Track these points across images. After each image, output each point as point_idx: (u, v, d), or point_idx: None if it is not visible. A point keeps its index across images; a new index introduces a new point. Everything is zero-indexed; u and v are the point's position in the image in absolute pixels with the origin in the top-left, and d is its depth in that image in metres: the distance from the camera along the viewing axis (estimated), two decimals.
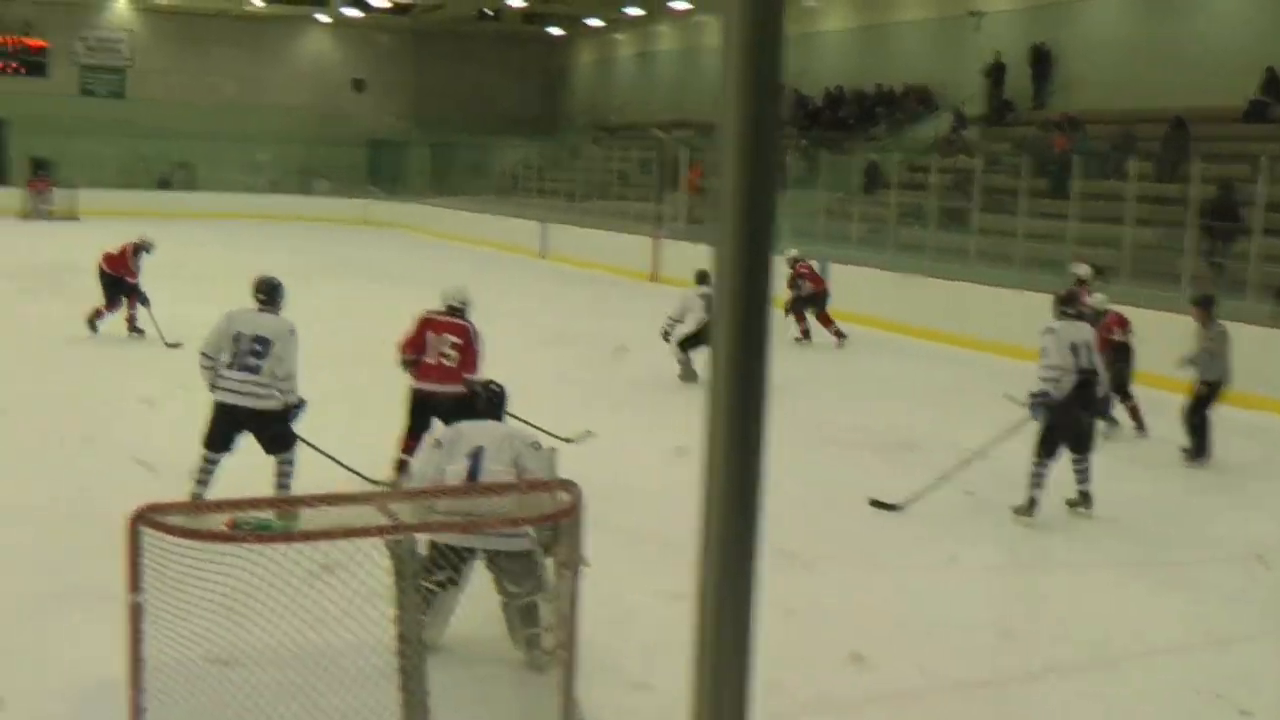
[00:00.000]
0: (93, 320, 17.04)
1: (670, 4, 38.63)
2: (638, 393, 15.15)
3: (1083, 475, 10.20)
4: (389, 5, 43.48)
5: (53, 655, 6.70)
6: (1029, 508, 9.98)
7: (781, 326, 18.25)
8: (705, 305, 15.15)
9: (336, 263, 28.90)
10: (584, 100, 48.34)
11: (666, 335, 15.57)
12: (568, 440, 9.89)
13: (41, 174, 40.20)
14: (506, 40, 47.54)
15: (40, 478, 10.13)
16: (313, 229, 38.48)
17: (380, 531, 5.12)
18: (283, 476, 9.08)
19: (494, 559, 6.66)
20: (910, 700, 6.93)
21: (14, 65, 45.28)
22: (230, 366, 8.87)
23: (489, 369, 9.68)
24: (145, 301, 17.08)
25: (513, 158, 42.39)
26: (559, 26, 47.67)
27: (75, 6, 45.01)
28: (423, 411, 9.77)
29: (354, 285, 24.14)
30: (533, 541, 6.59)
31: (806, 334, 19.09)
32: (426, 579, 6.23)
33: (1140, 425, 13.37)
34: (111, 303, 17.09)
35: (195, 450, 9.08)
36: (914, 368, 17.71)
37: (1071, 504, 10.23)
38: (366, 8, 44.00)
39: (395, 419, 10.13)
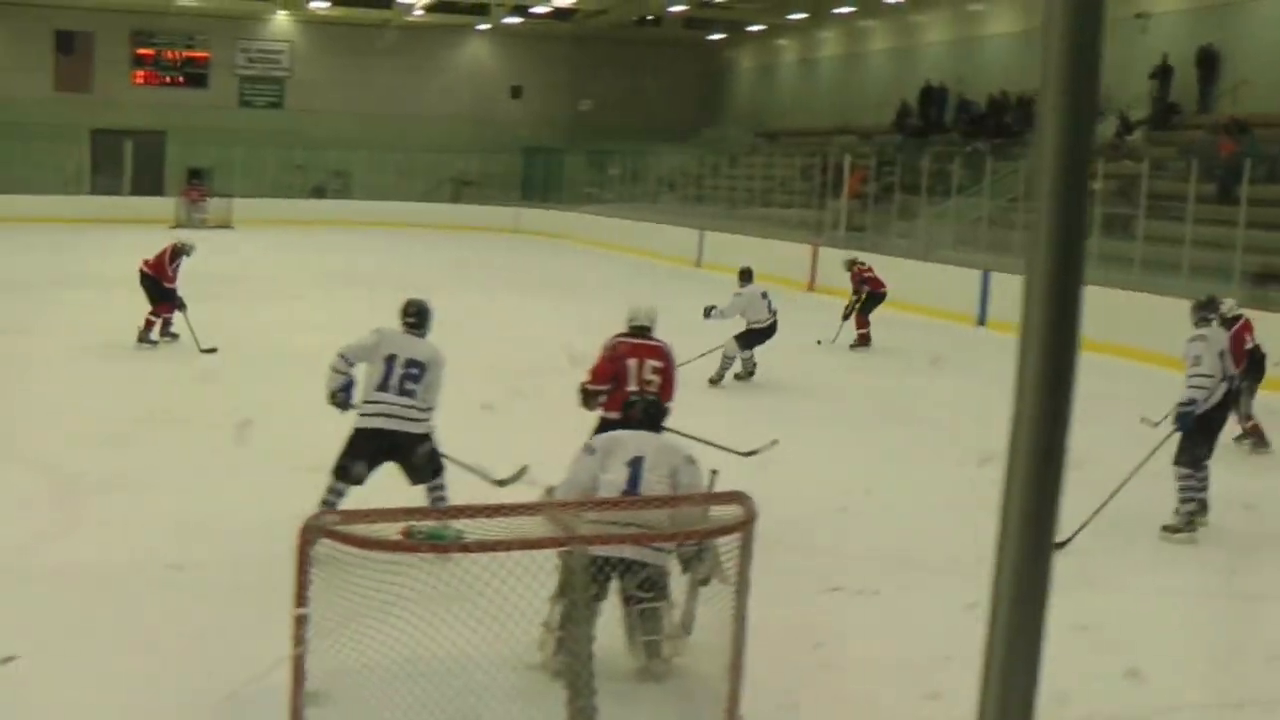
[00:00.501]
0: (144, 333, 17.20)
1: (834, 9, 38.67)
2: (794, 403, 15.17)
3: (1204, 484, 10.01)
4: (549, 11, 44.26)
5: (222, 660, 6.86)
6: (1189, 523, 9.83)
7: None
8: (769, 304, 15.81)
9: (489, 271, 29.65)
10: (744, 106, 48.52)
11: (710, 311, 15.98)
12: (751, 453, 9.93)
13: (196, 183, 41.85)
14: (666, 46, 48.05)
15: (229, 490, 10.25)
16: (466, 237, 39.09)
17: (555, 543, 5.25)
18: (437, 503, 8.56)
19: (630, 568, 6.60)
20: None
21: (176, 78, 47.06)
22: (382, 389, 8.63)
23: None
24: (182, 306, 17.18)
25: (670, 164, 42.67)
26: (720, 32, 48.05)
27: (237, 20, 46.73)
28: None
29: (505, 294, 24.69)
30: (670, 556, 6.66)
31: (866, 339, 19.14)
32: (570, 596, 6.30)
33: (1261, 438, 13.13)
34: (157, 307, 17.27)
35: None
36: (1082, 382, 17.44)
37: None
38: (527, 15, 45.00)
39: (550, 429, 10.03)
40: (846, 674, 7.18)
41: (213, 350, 16.36)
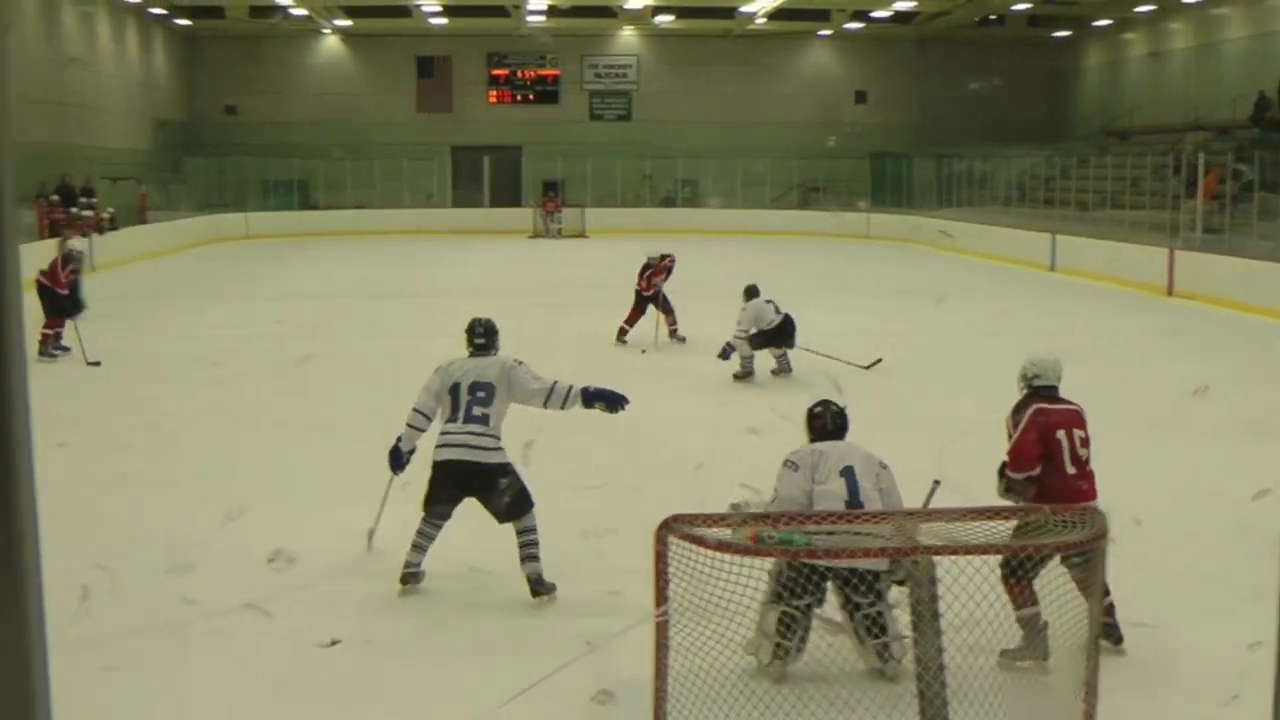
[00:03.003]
0: (43, 346, 17.28)
1: None
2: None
3: None
4: (890, 15, 44.84)
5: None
6: None
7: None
8: (775, 308, 15.84)
9: (836, 278, 30.13)
10: (1092, 104, 47.76)
11: (729, 351, 15.93)
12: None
13: (551, 195, 44.41)
14: (1010, 45, 47.93)
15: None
16: (813, 244, 39.80)
17: (899, 552, 5.23)
18: (527, 548, 8.11)
19: (851, 577, 6.53)
20: None
21: (529, 95, 49.88)
22: (451, 419, 8.20)
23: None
24: (75, 313, 17.47)
25: (1018, 167, 42.44)
26: (1065, 29, 47.76)
27: (585, 38, 49.13)
28: None
29: (854, 301, 25.00)
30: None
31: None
32: (789, 603, 6.61)
33: None
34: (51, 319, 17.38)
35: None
36: None
37: None
38: (868, 19, 45.75)
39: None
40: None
41: (97, 364, 16.86)
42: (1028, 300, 25.21)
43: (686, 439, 12.66)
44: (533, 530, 8.09)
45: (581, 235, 41.90)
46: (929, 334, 20.19)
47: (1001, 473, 7.39)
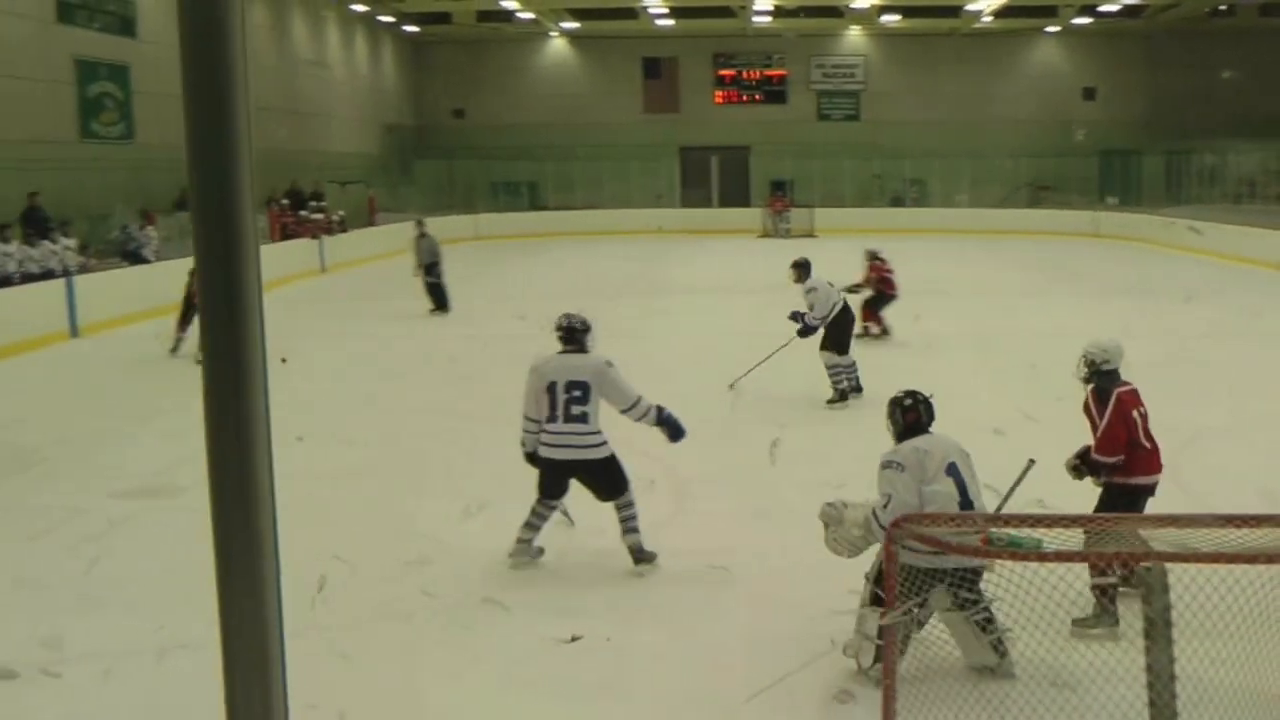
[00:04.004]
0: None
1: None
2: None
3: None
4: (1119, 9, 44.31)
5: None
6: None
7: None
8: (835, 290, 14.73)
9: (1067, 276, 29.93)
10: None
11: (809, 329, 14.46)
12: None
13: (779, 194, 44.86)
14: (1240, 36, 46.59)
15: None
16: (1041, 243, 39.22)
17: (1131, 557, 5.18)
18: (627, 522, 8.71)
19: (958, 577, 6.52)
20: None
21: (756, 95, 50.49)
22: (551, 419, 8.54)
23: None
24: None
25: (1250, 163, 41.03)
26: None
27: (812, 38, 49.68)
28: (1130, 508, 7.66)
29: (1084, 301, 24.64)
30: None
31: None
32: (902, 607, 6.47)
33: None
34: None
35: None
36: None
37: None
38: (1096, 14, 45.25)
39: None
40: None
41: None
42: (1267, 300, 24.30)
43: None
44: (631, 505, 8.67)
45: (810, 235, 41.74)
46: (1170, 335, 19.80)
47: (1084, 459, 7.88)
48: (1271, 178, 39.61)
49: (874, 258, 19.00)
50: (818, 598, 8.01)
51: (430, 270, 22.97)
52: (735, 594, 8.36)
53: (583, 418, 8.43)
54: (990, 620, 6.66)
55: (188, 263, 25.52)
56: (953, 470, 6.83)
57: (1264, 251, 31.04)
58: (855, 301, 16.71)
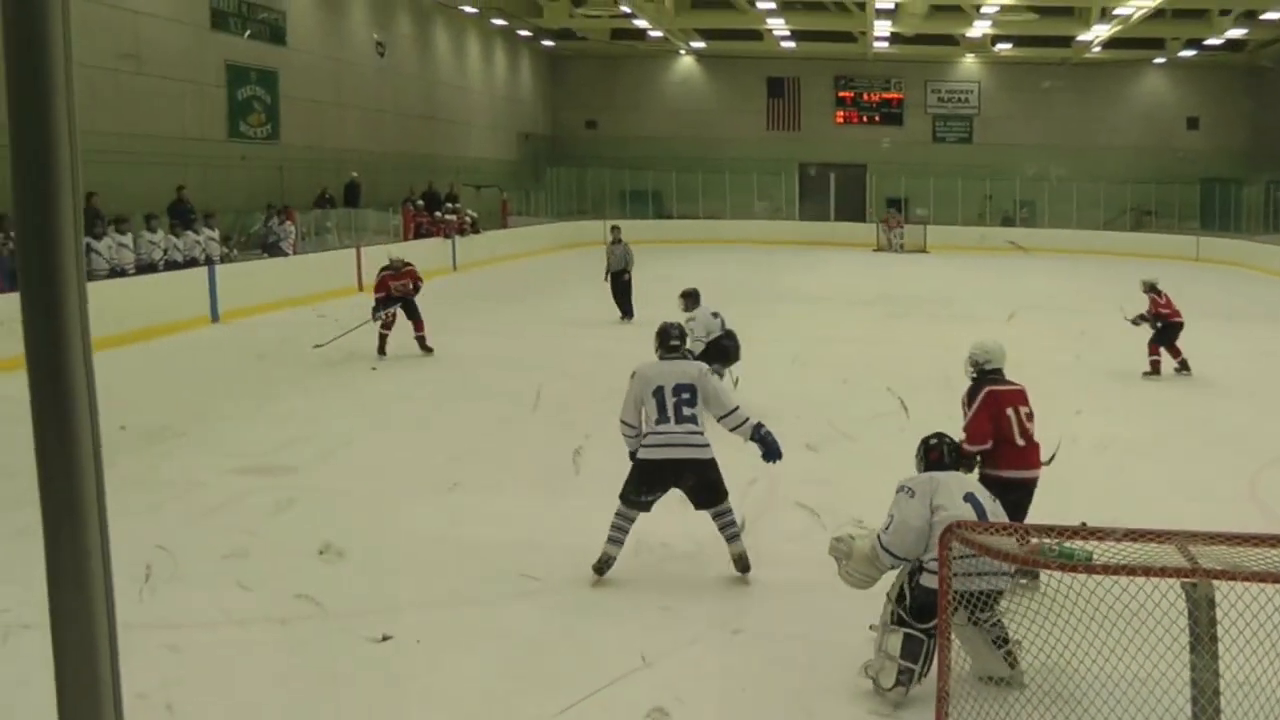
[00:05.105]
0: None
1: None
2: None
3: None
4: (1223, 43, 43.74)
5: None
6: None
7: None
8: (721, 322, 14.35)
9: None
10: None
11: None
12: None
13: (893, 211, 44.42)
14: None
15: None
16: (1144, 265, 38.41)
17: (1180, 573, 5.02)
18: (728, 528, 8.37)
19: (981, 596, 6.35)
20: None
21: (874, 116, 50.54)
22: (662, 420, 8.27)
23: None
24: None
25: None
26: None
27: (929, 64, 49.62)
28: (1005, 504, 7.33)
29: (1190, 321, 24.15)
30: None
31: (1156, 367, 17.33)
32: (917, 626, 6.40)
33: None
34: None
35: None
36: None
37: None
38: (1201, 47, 44.77)
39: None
40: None
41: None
42: None
43: None
44: (728, 512, 8.31)
45: (922, 250, 41.55)
46: (1261, 355, 19.61)
47: (960, 450, 7.64)
48: None
49: (1151, 289, 17.40)
50: (633, 610, 7.82)
51: (618, 278, 22.64)
52: (556, 599, 8.07)
53: (694, 419, 8.21)
54: (1004, 633, 6.54)
55: (331, 256, 26.35)
56: (971, 499, 6.62)
57: None
58: (1139, 334, 16.67)
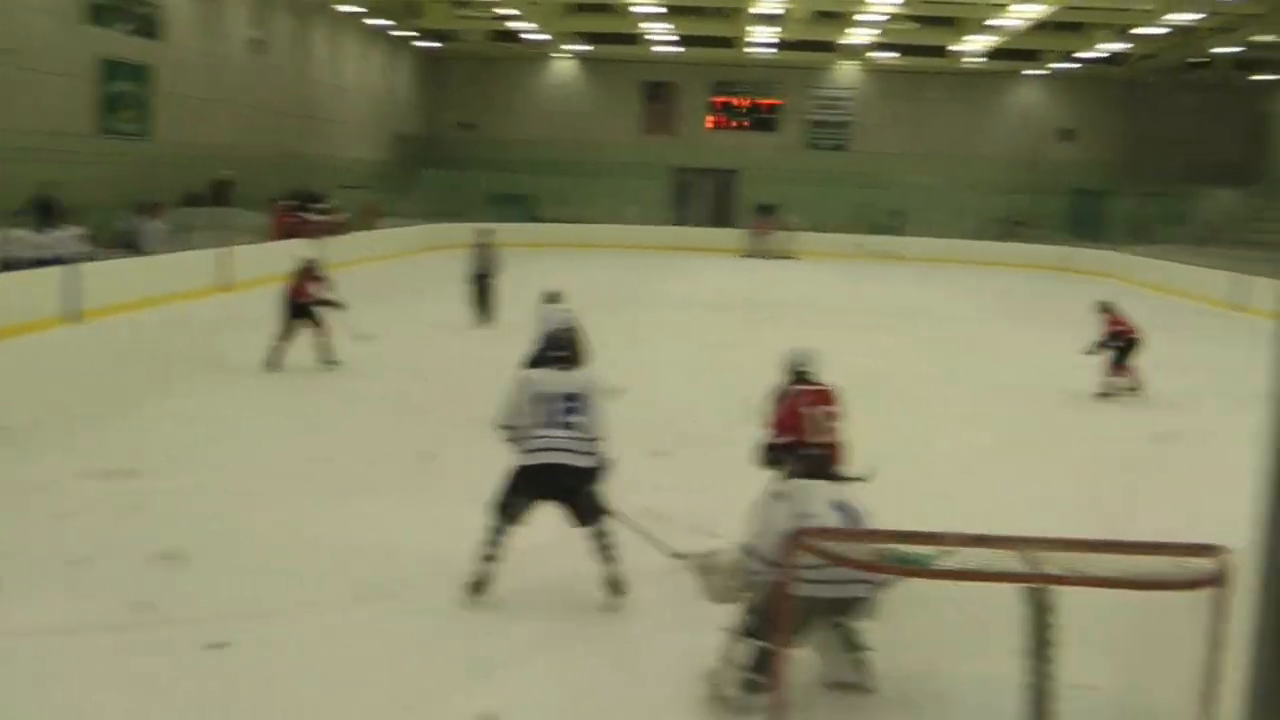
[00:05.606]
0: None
1: None
2: None
3: None
4: (1100, 57, 44.72)
5: None
6: None
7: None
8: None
9: (1037, 307, 30.34)
10: None
11: None
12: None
13: (763, 217, 45.00)
14: (1215, 88, 46.85)
15: None
16: (1014, 275, 39.67)
17: (1023, 579, 5.14)
18: (605, 550, 7.99)
19: (842, 604, 6.33)
20: None
21: (747, 122, 50.92)
22: (544, 425, 7.95)
23: None
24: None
25: (1213, 207, 41.20)
26: (1271, 72, 46.43)
27: (807, 70, 49.97)
28: None
29: (1056, 331, 24.57)
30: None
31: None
32: (767, 637, 6.18)
33: None
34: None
35: None
36: None
37: None
38: (1078, 60, 45.78)
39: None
40: None
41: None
42: (1211, 338, 24.45)
43: None
44: (607, 534, 7.99)
45: (789, 257, 42.13)
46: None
47: (763, 442, 8.30)
48: (1236, 223, 39.71)
49: (1105, 309, 17.21)
50: (474, 616, 7.81)
51: (482, 281, 22.22)
52: (399, 605, 8.05)
53: (580, 426, 7.92)
54: (855, 638, 6.58)
55: (196, 256, 25.83)
56: (841, 508, 6.46)
57: (1217, 291, 31.34)
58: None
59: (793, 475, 6.94)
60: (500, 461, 8.10)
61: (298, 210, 32.18)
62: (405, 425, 13.62)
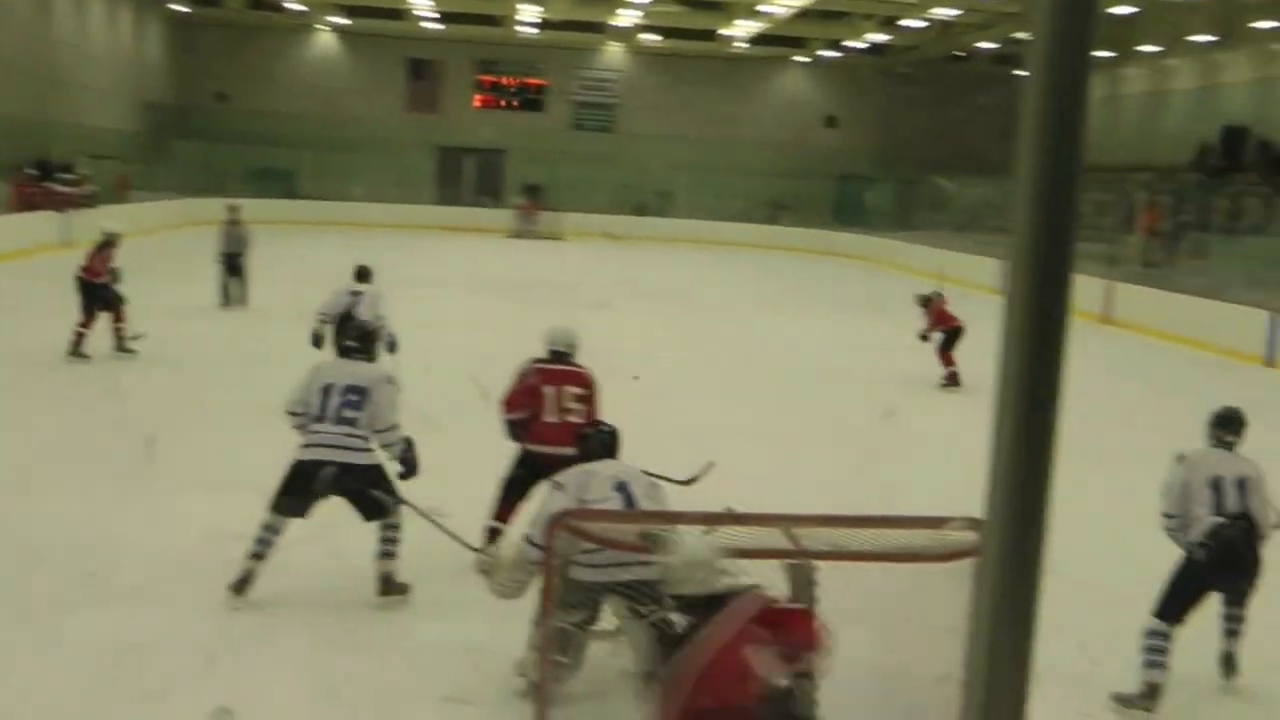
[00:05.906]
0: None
1: (1139, 47, 39.13)
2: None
3: None
4: (863, 47, 45.76)
5: None
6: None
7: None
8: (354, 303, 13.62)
9: (800, 289, 30.91)
10: None
11: (318, 338, 13.32)
12: (689, 482, 8.13)
13: (530, 198, 44.69)
14: (976, 81, 47.88)
15: None
16: (777, 258, 40.46)
17: (785, 555, 5.18)
18: (387, 544, 7.88)
19: (631, 587, 6.26)
20: None
21: (515, 102, 50.64)
22: (320, 420, 7.81)
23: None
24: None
25: (973, 195, 42.35)
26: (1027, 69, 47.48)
27: (573, 50, 49.81)
28: (534, 477, 8.09)
29: (818, 313, 25.32)
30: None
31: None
32: (563, 619, 6.11)
33: None
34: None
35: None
36: None
37: None
38: (842, 49, 46.72)
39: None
40: None
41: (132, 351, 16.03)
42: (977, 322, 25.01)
43: None
44: (395, 528, 7.86)
45: (557, 237, 41.79)
46: (872, 349, 20.23)
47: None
48: (992, 211, 40.81)
49: (926, 301, 17.23)
50: (209, 610, 7.53)
51: (232, 260, 21.07)
52: (126, 601, 7.68)
53: (353, 422, 7.76)
54: (666, 628, 6.23)
55: None
56: (622, 488, 6.46)
57: (978, 275, 32.12)
58: (929, 349, 16.75)
59: (578, 459, 6.87)
60: (229, 448, 7.71)
61: (41, 180, 30.56)
62: (133, 413, 12.77)
